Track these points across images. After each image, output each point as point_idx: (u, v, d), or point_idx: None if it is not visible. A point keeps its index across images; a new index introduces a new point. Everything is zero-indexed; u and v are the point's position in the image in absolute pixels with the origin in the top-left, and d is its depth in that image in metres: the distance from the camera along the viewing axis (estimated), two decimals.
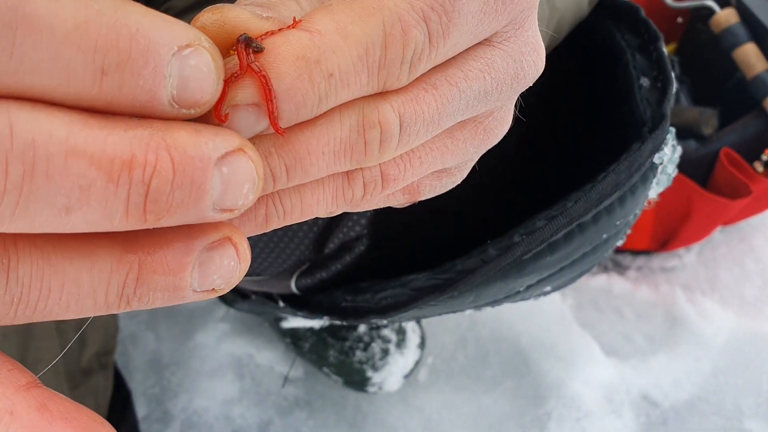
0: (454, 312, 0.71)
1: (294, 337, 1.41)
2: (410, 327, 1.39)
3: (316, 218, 0.64)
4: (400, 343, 1.38)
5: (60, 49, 0.23)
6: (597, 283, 1.57)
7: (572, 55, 0.76)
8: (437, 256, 0.71)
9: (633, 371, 1.44)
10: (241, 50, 0.29)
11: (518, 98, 0.41)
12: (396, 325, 1.37)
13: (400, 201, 0.42)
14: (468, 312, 0.72)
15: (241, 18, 0.30)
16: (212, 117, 0.29)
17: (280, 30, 0.30)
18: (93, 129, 0.25)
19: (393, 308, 0.66)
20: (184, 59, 0.26)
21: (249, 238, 0.73)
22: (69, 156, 0.24)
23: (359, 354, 1.36)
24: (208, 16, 0.30)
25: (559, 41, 0.70)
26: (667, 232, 1.50)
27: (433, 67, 0.34)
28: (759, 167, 1.37)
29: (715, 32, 1.45)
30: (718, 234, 1.61)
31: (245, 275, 0.82)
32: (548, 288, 0.71)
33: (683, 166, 1.39)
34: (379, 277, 0.76)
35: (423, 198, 0.42)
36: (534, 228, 0.62)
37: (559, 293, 1.54)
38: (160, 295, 0.28)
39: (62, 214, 0.24)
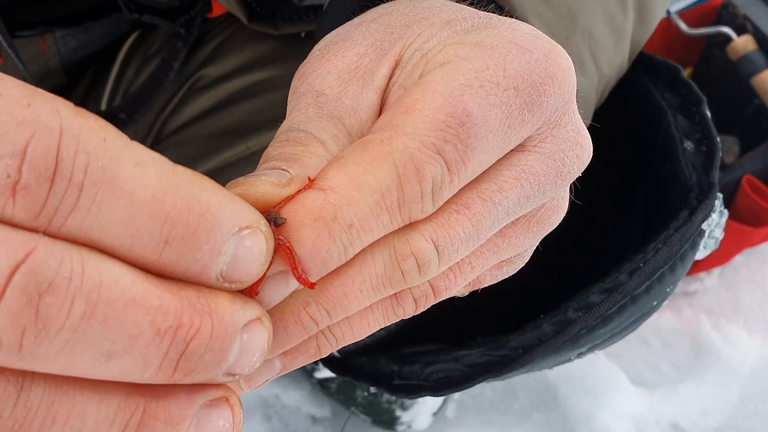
0: (503, 380, 0.71)
1: (321, 378, 1.41)
2: None
3: None
4: None
5: (134, 215, 0.24)
6: None
7: (609, 111, 0.75)
8: (483, 320, 0.71)
9: (661, 401, 1.43)
10: None
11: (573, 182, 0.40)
12: None
13: (462, 293, 0.42)
14: None
15: (261, 192, 0.31)
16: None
17: (298, 192, 0.31)
18: (153, 283, 0.26)
19: (447, 386, 0.65)
20: (240, 239, 0.27)
21: None
22: (129, 304, 0.25)
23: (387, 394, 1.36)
24: (232, 190, 0.31)
25: (602, 102, 0.70)
26: None
27: (465, 185, 0.34)
28: None
29: (733, 59, 1.45)
30: (739, 256, 1.61)
31: None
32: (597, 351, 0.71)
33: None
34: (422, 340, 0.76)
35: (486, 285, 0.42)
36: (590, 303, 0.61)
37: None
38: None
39: (102, 360, 0.25)
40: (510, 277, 0.76)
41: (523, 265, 0.43)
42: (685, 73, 1.61)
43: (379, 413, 1.37)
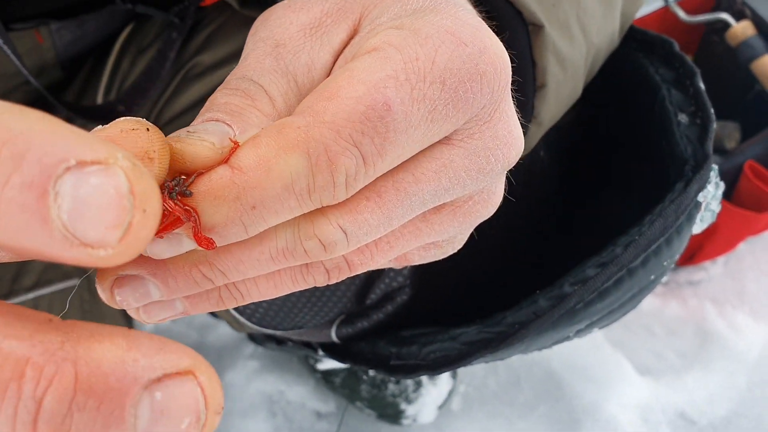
0: (502, 359, 0.71)
1: (325, 372, 1.40)
2: None
3: None
4: None
5: None
6: None
7: (604, 87, 0.75)
8: (481, 302, 0.70)
9: (667, 389, 1.42)
10: (166, 197, 0.30)
11: (508, 176, 0.40)
12: None
13: (390, 266, 0.42)
14: None
15: (201, 156, 0.31)
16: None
17: (218, 163, 0.31)
18: None
19: (444, 364, 0.65)
20: (82, 176, 0.21)
21: (293, 295, 0.72)
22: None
23: (392, 387, 1.35)
24: (173, 144, 0.31)
25: (593, 75, 0.70)
26: (693, 245, 1.49)
27: (383, 174, 0.34)
28: None
29: (732, 45, 1.44)
30: (742, 244, 1.60)
31: (285, 329, 0.81)
32: (595, 329, 0.71)
33: None
34: (420, 323, 0.75)
35: (416, 263, 0.42)
36: (585, 277, 0.61)
37: None
38: None
39: None
40: (507, 258, 0.76)
41: (455, 251, 0.43)
42: None
43: (384, 407, 1.36)
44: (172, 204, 0.30)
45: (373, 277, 0.74)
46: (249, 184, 0.30)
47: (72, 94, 0.94)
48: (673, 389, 1.42)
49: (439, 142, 0.34)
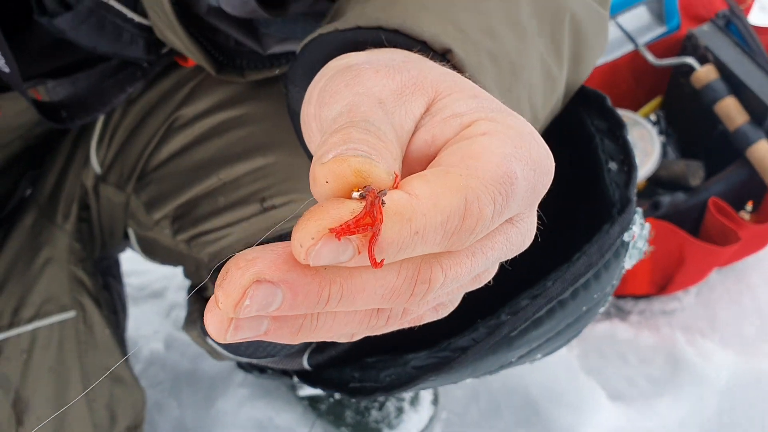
0: (455, 383, 0.77)
1: (311, 399, 1.46)
2: None
3: None
4: (414, 400, 1.43)
5: None
6: (601, 329, 1.62)
7: (548, 135, 0.82)
8: (436, 332, 0.77)
9: (639, 415, 1.47)
10: (374, 201, 0.34)
11: None
12: None
13: (403, 326, 0.48)
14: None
15: (381, 178, 0.35)
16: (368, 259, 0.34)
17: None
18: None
19: (396, 386, 0.72)
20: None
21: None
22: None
23: (375, 413, 1.41)
24: (360, 162, 0.35)
25: None
26: (665, 276, 1.55)
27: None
28: (745, 215, 1.43)
29: (696, 88, 1.52)
30: (714, 275, 1.66)
31: (259, 357, 0.88)
32: (539, 355, 0.77)
33: (674, 216, 1.45)
34: (384, 351, 0.82)
35: (424, 323, 0.48)
36: (518, 307, 0.67)
37: None
38: None
39: None
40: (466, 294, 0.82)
41: (449, 311, 0.48)
42: (655, 101, 1.69)
43: None
44: (379, 207, 0.33)
45: None
46: (421, 210, 0.34)
47: (68, 144, 1.02)
48: (645, 415, 1.47)
49: (505, 221, 0.40)
